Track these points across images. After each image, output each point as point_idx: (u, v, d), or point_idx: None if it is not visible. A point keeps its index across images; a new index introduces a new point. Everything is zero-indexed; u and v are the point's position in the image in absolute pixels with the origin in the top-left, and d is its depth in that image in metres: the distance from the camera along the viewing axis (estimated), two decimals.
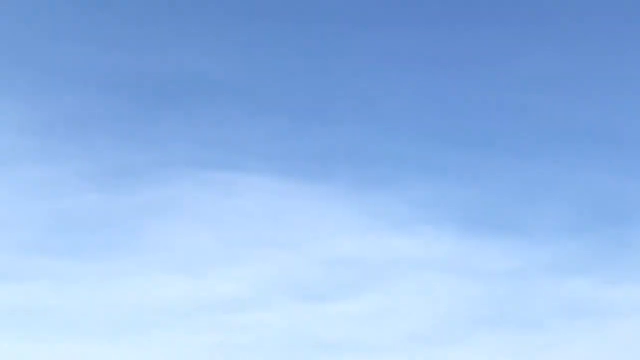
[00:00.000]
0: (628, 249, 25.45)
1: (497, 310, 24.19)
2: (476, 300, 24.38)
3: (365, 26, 29.26)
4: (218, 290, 23.68)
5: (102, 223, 25.08)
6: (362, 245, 25.53)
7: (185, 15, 29.02)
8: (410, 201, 26.69)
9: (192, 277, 23.94)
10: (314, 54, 29.21)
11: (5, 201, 25.18)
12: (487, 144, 28.32)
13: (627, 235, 25.87)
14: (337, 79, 29.10)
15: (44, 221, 24.92)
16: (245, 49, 28.96)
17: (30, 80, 27.57)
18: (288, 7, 29.47)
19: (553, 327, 23.73)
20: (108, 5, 28.47)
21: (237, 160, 26.87)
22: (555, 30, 29.49)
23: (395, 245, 25.42)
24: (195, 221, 25.46)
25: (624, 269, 24.76)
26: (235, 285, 23.82)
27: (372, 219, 26.28)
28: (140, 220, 25.20)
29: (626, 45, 29.09)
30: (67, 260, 23.66)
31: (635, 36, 28.96)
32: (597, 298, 24.29)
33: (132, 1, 28.64)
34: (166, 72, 28.24)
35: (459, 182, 27.38)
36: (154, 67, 28.22)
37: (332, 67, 29.14)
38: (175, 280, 23.67)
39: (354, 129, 28.29)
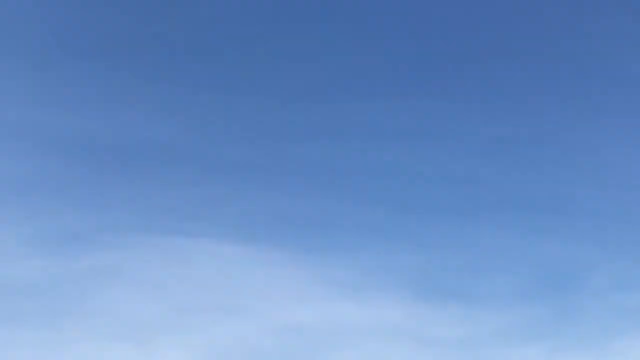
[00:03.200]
0: (576, 316, 25.81)
1: None
2: None
3: (316, 98, 30.20)
4: (166, 358, 23.06)
5: (46, 289, 24.45)
6: (313, 312, 25.36)
7: (132, 80, 29.46)
8: (361, 267, 26.81)
9: (139, 345, 23.33)
10: (264, 120, 29.83)
11: None
12: (438, 212, 28.87)
13: (575, 302, 26.26)
14: (289, 145, 29.66)
15: None
16: (192, 114, 29.46)
17: None
18: (235, 74, 30.28)
19: None
20: (55, 67, 28.75)
21: (184, 225, 26.81)
22: (504, 100, 30.87)
23: (346, 312, 25.32)
24: (142, 287, 25.02)
25: (572, 337, 25.01)
26: (183, 352, 23.26)
27: (323, 285, 26.23)
28: (85, 286, 24.65)
29: (573, 114, 30.59)
30: (9, 327, 22.87)
31: (583, 104, 30.56)
32: None
33: (79, 63, 28.99)
34: (112, 136, 28.44)
35: (409, 249, 27.67)
36: (100, 130, 28.42)
37: (283, 132, 29.72)
38: (121, 348, 23.03)
39: (305, 194, 28.59)
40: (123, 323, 23.87)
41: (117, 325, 23.75)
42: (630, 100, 30.32)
